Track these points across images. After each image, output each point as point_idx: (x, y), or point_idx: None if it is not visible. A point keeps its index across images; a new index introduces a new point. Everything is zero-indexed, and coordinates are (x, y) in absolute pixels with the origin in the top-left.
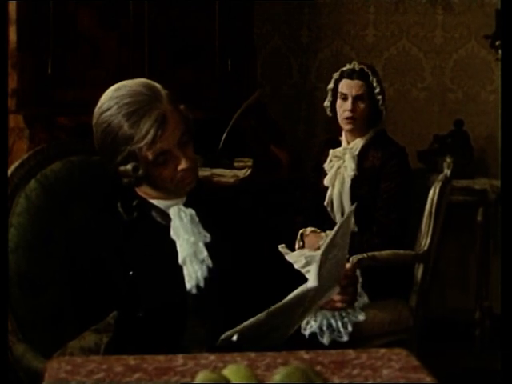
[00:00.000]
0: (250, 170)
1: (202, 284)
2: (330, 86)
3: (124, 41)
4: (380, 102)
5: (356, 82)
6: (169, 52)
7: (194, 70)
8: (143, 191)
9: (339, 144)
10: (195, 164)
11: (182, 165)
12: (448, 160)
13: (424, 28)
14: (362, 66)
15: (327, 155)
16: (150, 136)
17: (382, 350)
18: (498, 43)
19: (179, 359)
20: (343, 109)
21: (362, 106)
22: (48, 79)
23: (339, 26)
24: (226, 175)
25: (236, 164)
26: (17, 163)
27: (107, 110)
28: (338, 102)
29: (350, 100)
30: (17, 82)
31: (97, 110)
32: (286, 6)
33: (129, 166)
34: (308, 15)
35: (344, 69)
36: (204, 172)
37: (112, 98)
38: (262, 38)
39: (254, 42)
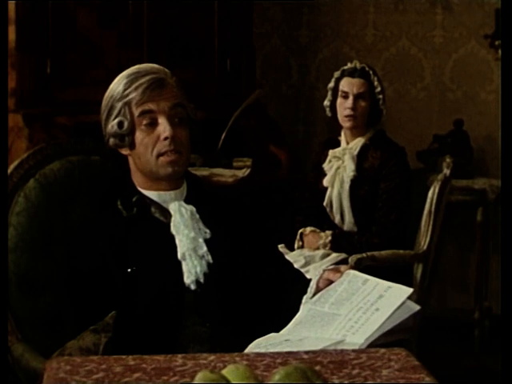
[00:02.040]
0: (249, 170)
1: (201, 279)
2: (331, 85)
3: (123, 40)
4: (380, 102)
5: (357, 80)
6: (168, 52)
7: (194, 70)
8: (138, 180)
9: (338, 144)
10: (181, 149)
11: (165, 133)
12: (447, 160)
13: (423, 28)
14: (363, 65)
15: (326, 155)
16: (140, 89)
17: (382, 350)
18: (497, 43)
19: (178, 359)
20: (344, 107)
21: (363, 104)
22: (47, 79)
23: (338, 25)
24: (225, 175)
25: (235, 164)
26: (16, 163)
27: (115, 82)
28: (339, 100)
29: (351, 98)
30: (16, 81)
31: None
32: (285, 6)
33: (115, 121)
34: (307, 15)
35: (345, 67)
36: (203, 172)
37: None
38: (262, 38)
39: (254, 41)
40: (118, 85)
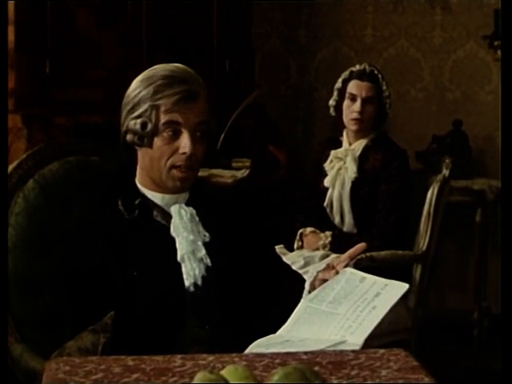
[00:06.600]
0: (248, 171)
1: (199, 282)
2: (338, 85)
3: (122, 40)
4: (387, 106)
5: (366, 84)
6: (167, 52)
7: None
8: (143, 180)
9: (340, 144)
10: (195, 165)
11: (185, 148)
12: (446, 160)
13: (422, 28)
14: (372, 68)
15: (328, 155)
16: (173, 99)
17: (381, 351)
18: (496, 43)
19: (177, 360)
20: (351, 110)
21: (370, 108)
22: (46, 79)
23: (338, 26)
24: (225, 175)
25: (234, 164)
26: (15, 163)
27: (146, 78)
28: (346, 102)
29: (359, 101)
30: (15, 81)
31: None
32: (284, 6)
33: (139, 121)
34: (306, 15)
35: (354, 69)
36: (202, 172)
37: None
38: (261, 38)
39: (253, 42)
40: (149, 82)
